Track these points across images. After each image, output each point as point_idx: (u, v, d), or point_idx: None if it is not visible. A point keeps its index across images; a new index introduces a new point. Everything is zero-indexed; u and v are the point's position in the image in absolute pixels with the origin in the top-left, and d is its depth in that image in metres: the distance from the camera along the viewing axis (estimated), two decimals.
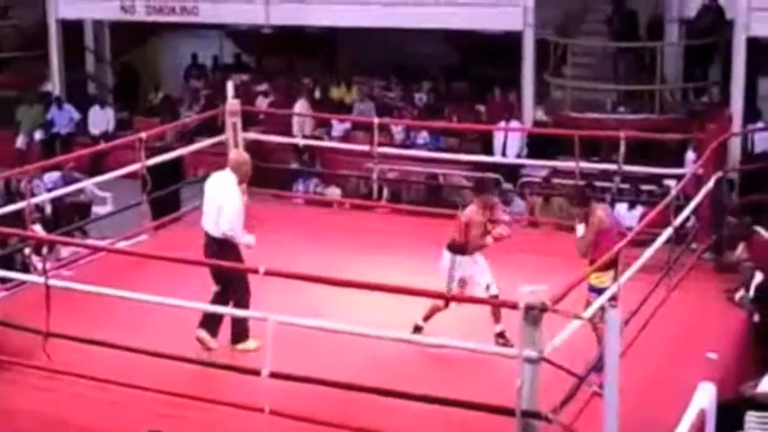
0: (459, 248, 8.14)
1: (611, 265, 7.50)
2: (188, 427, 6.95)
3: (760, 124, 14.51)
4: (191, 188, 12.62)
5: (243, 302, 7.96)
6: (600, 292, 7.44)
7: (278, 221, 11.00)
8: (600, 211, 7.90)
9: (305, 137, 16.75)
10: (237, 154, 8.57)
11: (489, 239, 8.09)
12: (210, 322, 8.05)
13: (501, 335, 8.10)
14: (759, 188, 12.70)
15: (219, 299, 8.01)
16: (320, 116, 17.57)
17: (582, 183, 9.58)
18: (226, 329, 8.11)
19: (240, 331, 8.10)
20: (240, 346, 8.09)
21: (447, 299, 7.96)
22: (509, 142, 15.89)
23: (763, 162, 13.63)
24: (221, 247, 8.03)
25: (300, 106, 17.63)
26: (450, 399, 6.61)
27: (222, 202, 8.04)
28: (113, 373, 7.42)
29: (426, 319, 8.17)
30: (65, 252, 10.72)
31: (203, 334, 8.03)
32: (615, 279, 7.49)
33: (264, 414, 6.86)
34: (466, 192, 14.92)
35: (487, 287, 8.10)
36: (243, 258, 8.11)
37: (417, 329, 8.13)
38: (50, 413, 7.32)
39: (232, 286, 7.97)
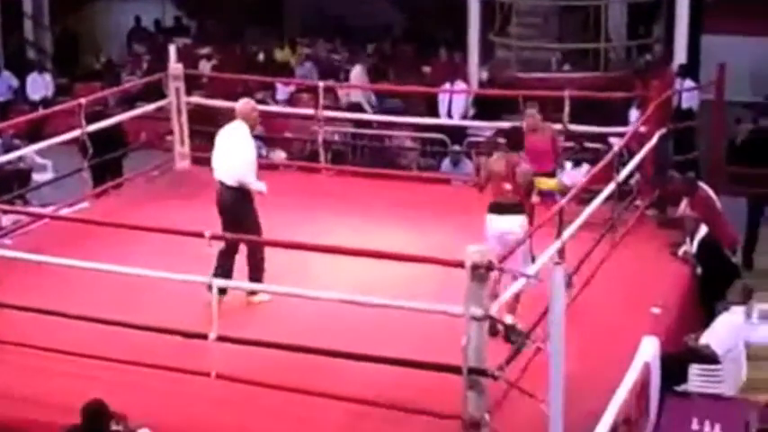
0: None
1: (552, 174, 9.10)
2: (135, 394, 6.88)
3: (688, 81, 14.57)
4: (133, 154, 12.49)
5: (259, 252, 8.15)
6: (547, 195, 8.59)
7: None
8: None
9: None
10: (244, 103, 8.60)
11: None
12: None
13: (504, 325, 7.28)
14: (686, 144, 12.86)
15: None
16: (265, 79, 17.35)
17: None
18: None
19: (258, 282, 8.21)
20: (256, 299, 8.21)
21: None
22: (454, 103, 15.83)
23: (688, 118, 13.75)
24: (235, 195, 8.23)
25: (357, 74, 16.71)
26: (398, 358, 6.62)
27: (235, 151, 8.27)
28: (57, 341, 7.34)
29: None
30: (5, 220, 10.53)
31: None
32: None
33: (211, 378, 6.84)
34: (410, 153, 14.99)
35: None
36: (255, 207, 8.27)
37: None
38: None
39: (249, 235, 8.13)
